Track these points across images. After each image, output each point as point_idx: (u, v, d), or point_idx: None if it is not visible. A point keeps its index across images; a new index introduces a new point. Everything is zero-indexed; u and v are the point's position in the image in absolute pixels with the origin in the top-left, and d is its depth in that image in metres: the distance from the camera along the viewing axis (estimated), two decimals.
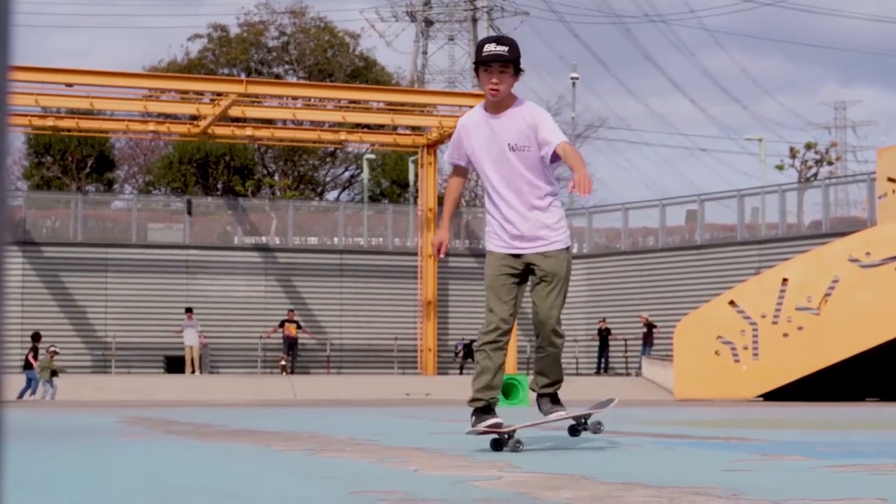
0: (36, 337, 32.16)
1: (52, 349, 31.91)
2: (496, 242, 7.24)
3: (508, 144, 7.11)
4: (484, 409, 7.21)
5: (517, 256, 7.21)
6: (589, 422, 7.61)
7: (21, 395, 30.56)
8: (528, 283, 7.35)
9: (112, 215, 43.59)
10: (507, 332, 7.23)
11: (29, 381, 31.03)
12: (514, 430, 7.11)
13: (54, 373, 31.03)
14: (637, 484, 4.99)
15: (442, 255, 7.58)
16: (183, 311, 39.80)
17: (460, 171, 7.51)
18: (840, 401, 27.50)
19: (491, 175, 7.17)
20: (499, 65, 7.03)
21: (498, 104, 7.14)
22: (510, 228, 7.16)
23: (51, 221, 41.81)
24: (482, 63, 7.06)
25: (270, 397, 30.82)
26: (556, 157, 7.12)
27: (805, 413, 17.88)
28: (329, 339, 41.57)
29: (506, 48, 7.04)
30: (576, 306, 43.29)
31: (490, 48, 7.05)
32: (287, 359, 39.08)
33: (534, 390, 7.71)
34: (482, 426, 7.12)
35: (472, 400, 7.25)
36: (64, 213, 41.85)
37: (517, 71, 7.11)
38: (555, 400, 7.55)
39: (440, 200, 45.47)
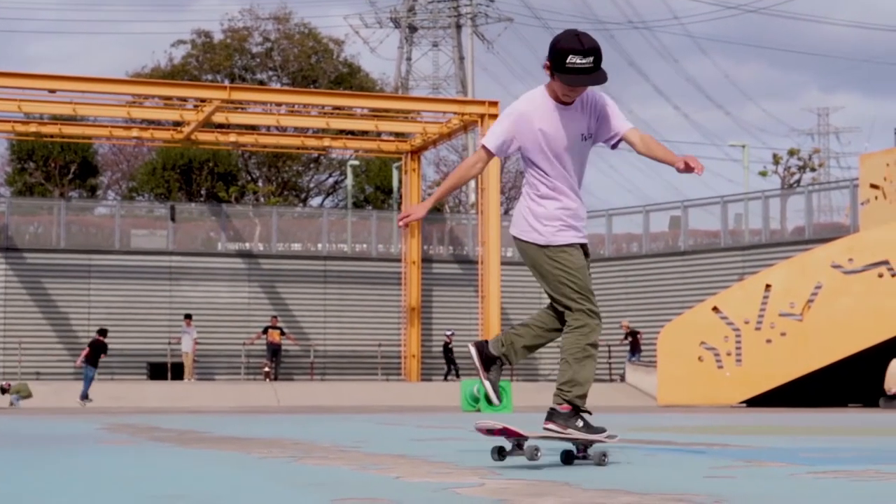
0: (102, 333, 31.78)
1: (3, 383, 31.62)
2: (571, 234, 6.83)
3: (582, 134, 6.83)
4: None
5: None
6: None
7: (85, 395, 30.39)
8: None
9: (95, 221, 43.48)
10: None
11: (90, 380, 30.71)
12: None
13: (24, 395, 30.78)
14: (620, 490, 5.00)
15: (402, 224, 6.99)
16: (168, 317, 39.78)
17: (488, 161, 6.98)
18: (823, 407, 27.56)
19: (566, 163, 6.83)
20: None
21: None
22: (580, 217, 6.91)
23: (34, 227, 41.70)
24: (564, 72, 6.59)
25: (254, 404, 30.77)
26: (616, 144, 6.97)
27: (788, 419, 17.92)
28: (313, 346, 41.52)
29: (591, 58, 6.57)
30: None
31: (575, 61, 6.56)
32: (270, 365, 39.03)
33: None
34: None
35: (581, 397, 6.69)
36: (47, 219, 41.75)
37: None
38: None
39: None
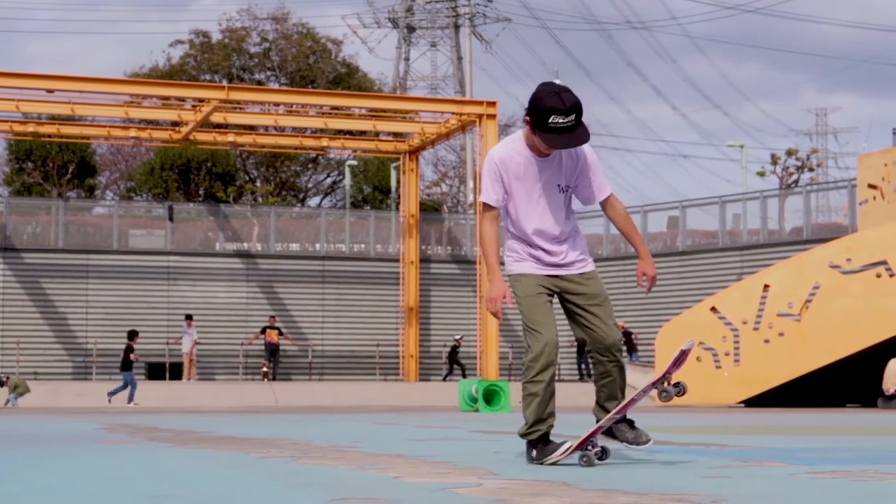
0: (132, 335, 31.77)
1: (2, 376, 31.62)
2: (529, 265, 6.98)
3: (559, 185, 6.87)
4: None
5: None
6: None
7: (113, 394, 30.39)
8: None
9: (93, 221, 43.45)
10: None
11: (125, 383, 30.60)
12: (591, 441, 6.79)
13: (22, 392, 30.76)
14: (618, 491, 5.00)
15: (511, 303, 6.98)
16: (166, 317, 39.80)
17: (496, 213, 7.00)
18: (821, 407, 27.57)
19: (544, 212, 6.89)
20: None
21: None
22: (550, 260, 7.02)
23: (32, 227, 41.67)
24: (545, 131, 6.62)
25: (252, 404, 30.76)
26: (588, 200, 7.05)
27: (786, 419, 17.92)
28: (311, 346, 41.51)
29: (572, 117, 6.58)
30: (556, 313, 43.29)
31: (557, 122, 6.58)
32: (269, 365, 39.03)
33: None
34: (556, 455, 6.73)
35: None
36: (45, 219, 41.73)
37: None
38: (632, 423, 7.12)
39: (422, 206, 45.49)
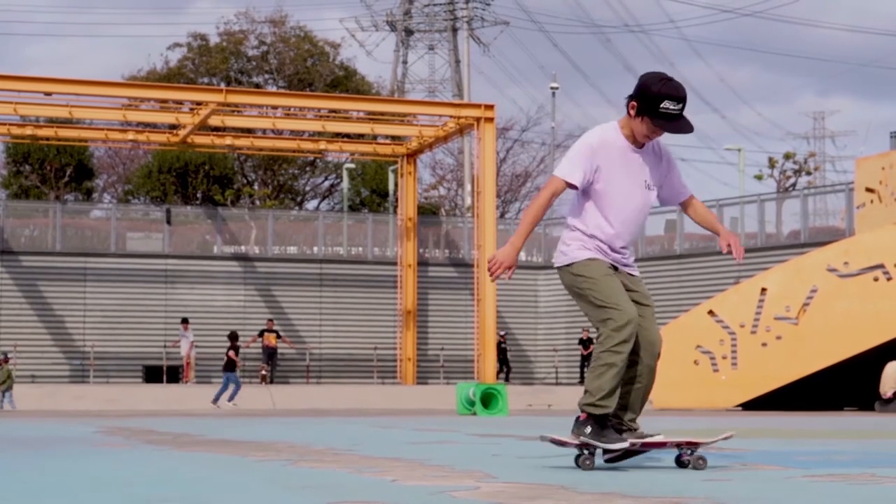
0: (234, 336, 31.93)
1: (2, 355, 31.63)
2: (594, 252, 6.83)
3: (645, 181, 6.86)
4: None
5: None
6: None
7: (217, 399, 30.54)
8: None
9: (91, 224, 43.44)
10: None
11: (226, 383, 30.78)
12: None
13: (9, 385, 30.77)
14: (616, 494, 5.00)
15: (508, 277, 6.81)
16: (163, 320, 39.81)
17: (561, 192, 6.90)
18: (818, 410, 27.58)
19: (623, 207, 6.82)
20: None
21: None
22: (615, 252, 6.91)
23: (29, 230, 41.66)
24: (656, 116, 6.64)
25: (249, 407, 30.75)
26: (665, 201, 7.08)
27: (783, 422, 17.92)
28: (308, 349, 41.49)
29: (681, 106, 6.66)
30: (556, 316, 43.37)
31: (669, 107, 6.64)
32: (266, 368, 39.03)
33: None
34: (615, 445, 6.61)
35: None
36: (42, 222, 41.71)
37: None
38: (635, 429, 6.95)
39: (420, 210, 45.48)
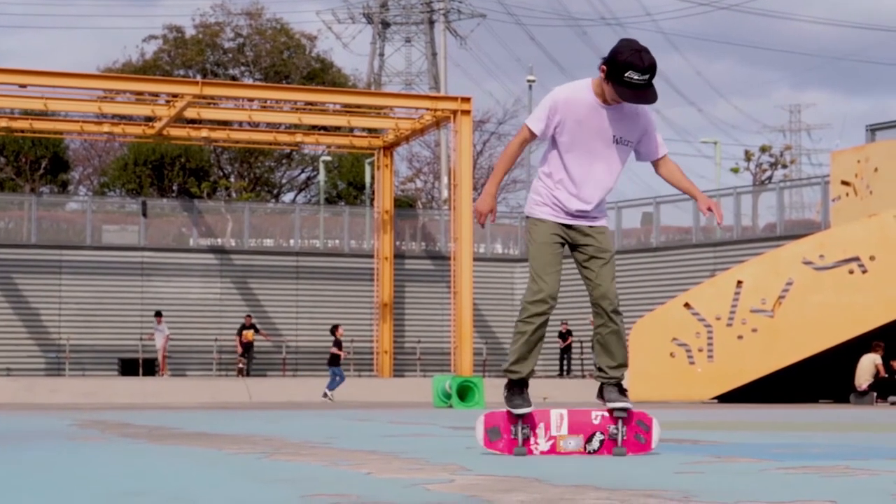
0: (335, 328, 32.01)
1: None
2: (547, 210, 7.18)
3: (615, 136, 7.07)
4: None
5: None
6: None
7: (331, 389, 30.64)
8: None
9: (66, 217, 43.32)
10: None
11: (335, 376, 30.96)
12: None
13: None
14: (589, 486, 5.00)
15: (493, 221, 7.36)
16: (139, 313, 39.74)
17: (530, 141, 7.27)
18: (794, 403, 27.67)
19: (590, 161, 7.09)
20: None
21: None
22: (573, 209, 7.19)
23: (4, 223, 41.52)
24: (620, 84, 6.82)
25: (226, 400, 30.71)
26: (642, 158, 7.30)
27: (758, 415, 17.98)
28: (285, 342, 41.46)
29: (647, 76, 6.79)
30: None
31: (632, 77, 6.77)
32: (243, 361, 39.00)
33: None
34: (514, 409, 7.11)
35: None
36: (17, 214, 41.57)
37: None
38: (622, 390, 7.28)
39: (396, 202, 45.47)
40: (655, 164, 7.31)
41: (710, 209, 7.08)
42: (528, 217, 7.25)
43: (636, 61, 6.77)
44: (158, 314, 38.54)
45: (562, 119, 7.01)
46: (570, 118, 7.00)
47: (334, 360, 31.36)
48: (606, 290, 7.17)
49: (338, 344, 31.72)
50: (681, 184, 7.35)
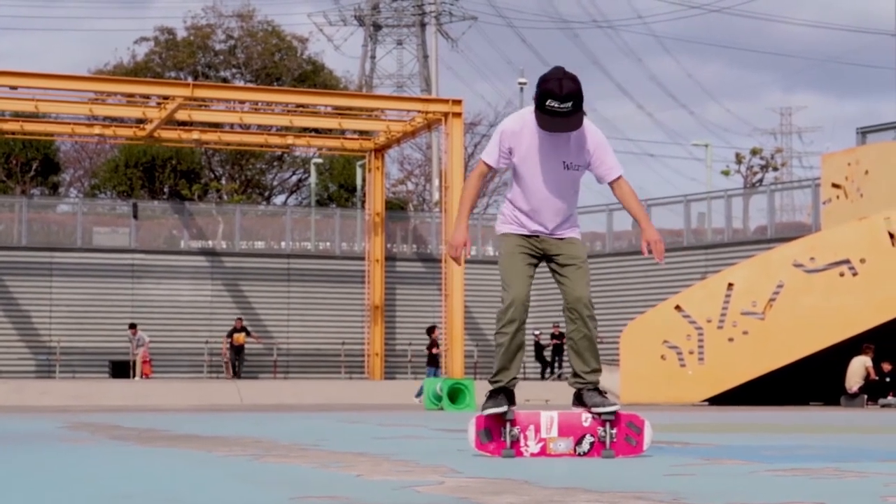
0: (431, 330, 32.19)
1: None
2: (513, 227, 7.37)
3: (564, 162, 7.16)
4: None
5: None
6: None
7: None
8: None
9: (57, 219, 43.25)
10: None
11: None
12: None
13: None
14: (579, 489, 5.01)
15: (468, 255, 7.50)
16: (130, 315, 39.69)
17: (487, 174, 7.49)
18: (785, 405, 27.69)
19: (544, 187, 7.21)
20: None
21: None
22: (533, 225, 7.35)
23: None
24: (542, 112, 6.95)
25: (216, 402, 30.67)
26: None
27: (749, 417, 18.00)
28: (276, 344, 41.43)
29: (569, 104, 6.88)
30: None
31: (553, 105, 6.88)
32: (229, 365, 38.96)
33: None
34: (490, 410, 7.33)
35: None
36: (8, 216, 41.50)
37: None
38: (602, 392, 7.44)
39: (388, 204, 45.46)
40: (610, 186, 7.37)
41: (650, 246, 7.23)
42: (498, 234, 7.43)
43: (555, 89, 6.89)
44: (133, 326, 38.42)
45: (512, 148, 7.16)
46: (519, 147, 7.14)
47: (433, 361, 31.65)
48: (581, 294, 7.25)
49: (435, 344, 31.89)
50: (632, 209, 7.44)
